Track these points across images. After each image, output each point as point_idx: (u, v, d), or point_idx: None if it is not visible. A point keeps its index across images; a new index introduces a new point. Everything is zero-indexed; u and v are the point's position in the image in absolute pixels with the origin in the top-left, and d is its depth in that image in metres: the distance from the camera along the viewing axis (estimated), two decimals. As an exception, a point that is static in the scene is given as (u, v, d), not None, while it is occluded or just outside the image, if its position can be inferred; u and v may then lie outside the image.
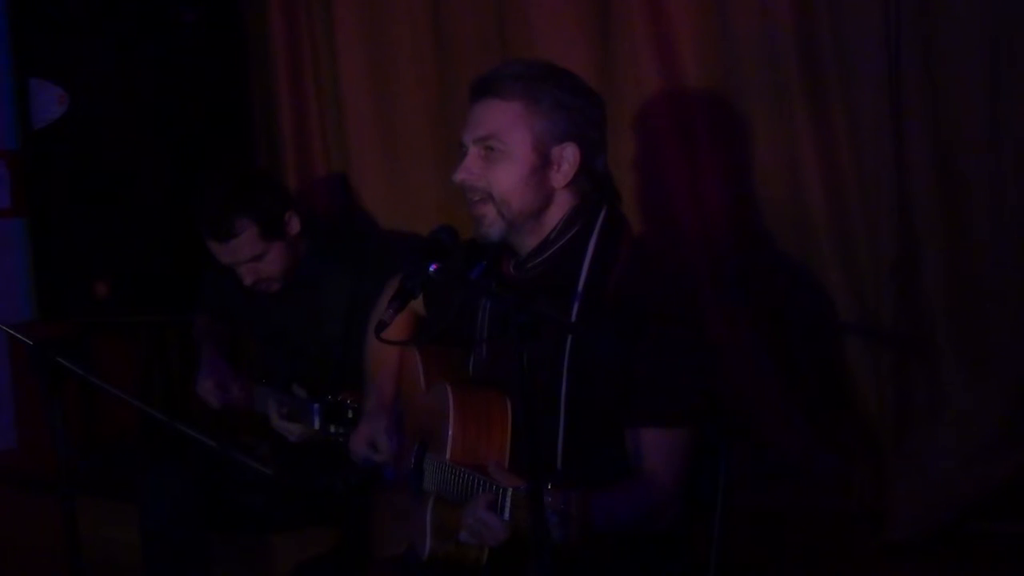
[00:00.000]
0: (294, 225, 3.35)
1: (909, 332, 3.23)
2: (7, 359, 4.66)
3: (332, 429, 3.13)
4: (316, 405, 3.13)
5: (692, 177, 3.51)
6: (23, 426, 4.68)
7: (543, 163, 2.39)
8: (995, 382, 3.17)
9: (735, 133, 3.45)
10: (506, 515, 2.12)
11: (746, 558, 2.81)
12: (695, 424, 2.32)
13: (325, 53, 4.14)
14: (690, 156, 3.50)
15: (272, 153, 4.32)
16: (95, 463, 4.52)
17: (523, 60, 2.53)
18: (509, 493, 2.11)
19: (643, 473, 2.30)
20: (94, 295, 4.44)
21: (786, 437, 3.43)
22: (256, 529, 3.53)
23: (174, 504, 3.19)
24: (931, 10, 3.13)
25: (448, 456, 2.34)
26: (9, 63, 4.59)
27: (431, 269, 2.29)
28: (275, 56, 4.24)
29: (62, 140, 4.43)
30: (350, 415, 3.10)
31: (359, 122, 4.09)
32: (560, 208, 2.43)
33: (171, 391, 4.67)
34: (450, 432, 2.34)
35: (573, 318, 2.34)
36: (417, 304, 2.68)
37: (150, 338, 4.68)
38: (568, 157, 2.40)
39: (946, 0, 3.12)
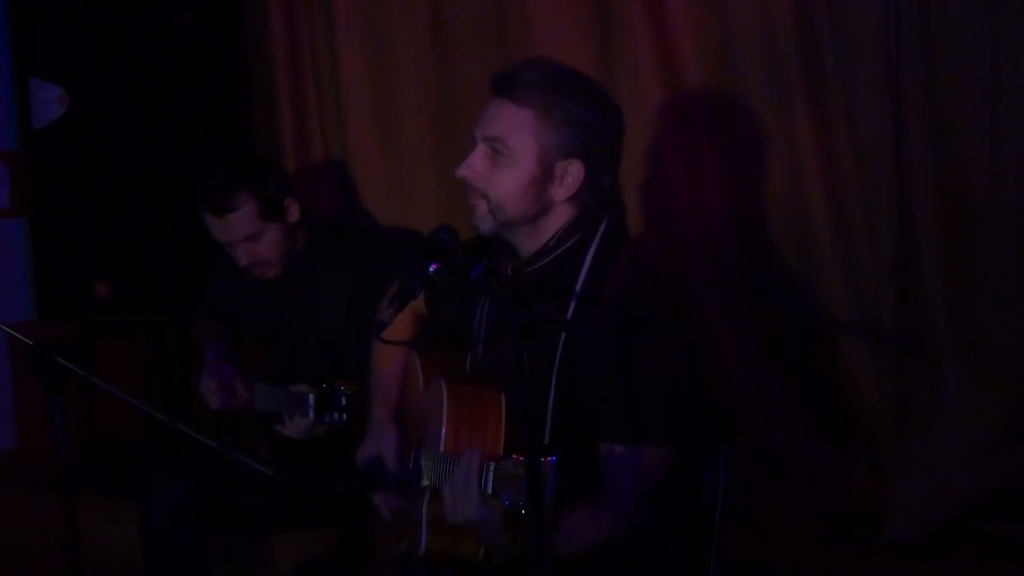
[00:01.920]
0: (293, 212, 3.35)
1: (909, 332, 3.23)
2: (7, 359, 4.67)
3: (326, 418, 3.13)
4: (311, 395, 3.13)
5: (692, 178, 3.51)
6: (23, 426, 4.69)
7: (545, 175, 2.37)
8: (995, 382, 3.17)
9: (735, 134, 3.45)
10: (489, 489, 2.12)
11: (746, 558, 2.81)
12: (670, 444, 2.29)
13: (325, 53, 4.14)
14: (690, 157, 3.50)
15: (272, 152, 4.31)
16: (95, 463, 4.52)
17: (546, 64, 2.43)
18: (492, 467, 2.12)
19: (607, 491, 2.26)
20: (94, 295, 4.45)
21: (786, 437, 3.43)
22: (256, 529, 3.53)
23: (174, 504, 3.19)
24: (931, 10, 3.13)
25: (442, 448, 2.34)
26: (9, 63, 4.59)
27: (431, 269, 2.29)
28: (275, 56, 4.24)
29: (62, 140, 4.44)
30: (343, 402, 3.10)
31: (359, 122, 4.10)
32: (558, 218, 2.41)
33: (171, 391, 4.66)
34: (443, 424, 2.34)
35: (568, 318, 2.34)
36: (419, 304, 2.68)
37: (150, 338, 4.68)
38: (572, 173, 2.37)
39: (946, 0, 3.12)
